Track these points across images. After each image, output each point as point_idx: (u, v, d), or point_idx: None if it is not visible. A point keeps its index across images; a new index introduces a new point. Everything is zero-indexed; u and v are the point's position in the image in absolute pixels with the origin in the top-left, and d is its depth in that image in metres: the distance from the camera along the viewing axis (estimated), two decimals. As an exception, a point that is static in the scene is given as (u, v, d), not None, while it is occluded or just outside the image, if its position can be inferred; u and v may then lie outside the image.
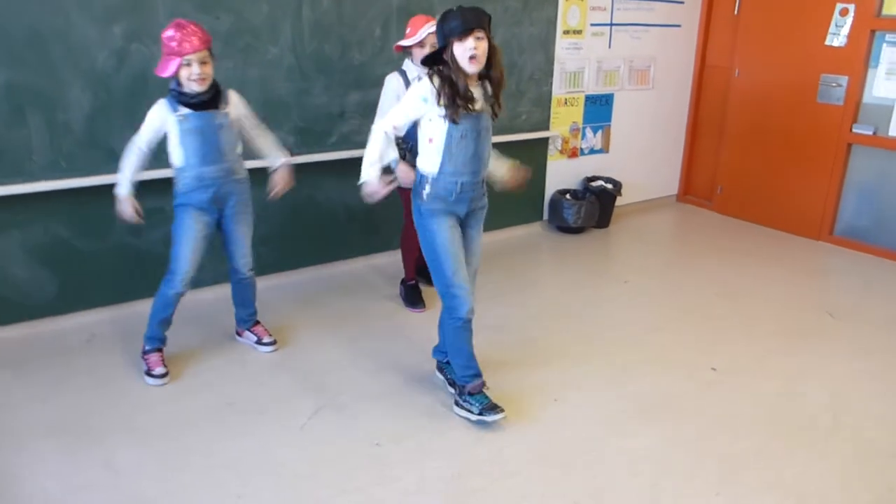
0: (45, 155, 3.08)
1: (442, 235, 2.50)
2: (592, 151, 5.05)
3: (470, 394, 2.62)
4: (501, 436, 2.57)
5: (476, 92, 2.42)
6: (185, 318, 3.09)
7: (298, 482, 2.29)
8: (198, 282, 3.03)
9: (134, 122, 2.74)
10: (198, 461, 2.38)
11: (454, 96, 2.35)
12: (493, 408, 2.58)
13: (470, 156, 2.46)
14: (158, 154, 2.76)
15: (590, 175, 5.04)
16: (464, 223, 2.60)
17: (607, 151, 5.13)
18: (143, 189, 2.79)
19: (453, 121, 2.39)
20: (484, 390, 2.64)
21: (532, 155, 4.76)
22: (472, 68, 2.34)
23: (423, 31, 3.23)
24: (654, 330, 3.46)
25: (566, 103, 4.77)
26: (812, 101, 4.71)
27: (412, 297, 3.65)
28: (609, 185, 4.95)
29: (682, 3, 5.14)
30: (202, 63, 2.57)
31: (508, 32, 4.31)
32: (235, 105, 2.78)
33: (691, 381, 2.98)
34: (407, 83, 3.28)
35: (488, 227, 4.63)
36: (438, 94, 2.37)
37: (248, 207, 2.92)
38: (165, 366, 2.86)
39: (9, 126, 2.98)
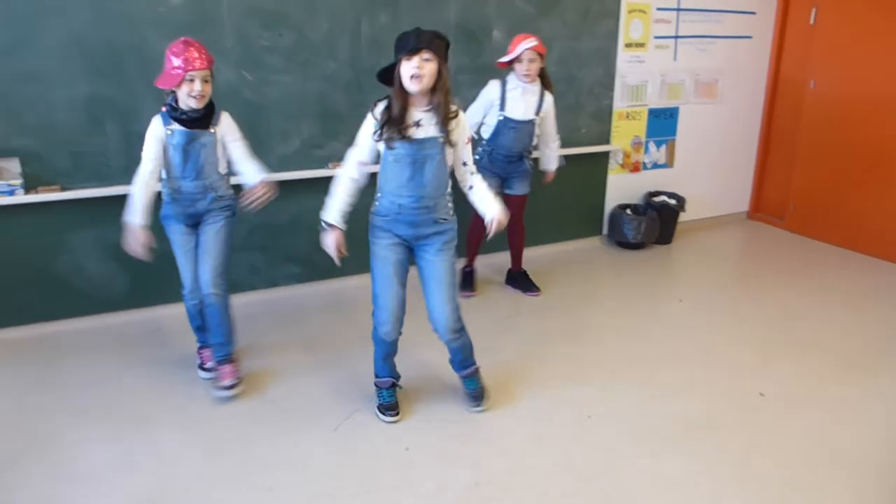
0: (121, 160, 3.34)
1: (378, 254, 2.57)
2: (656, 166, 4.96)
3: (377, 386, 2.79)
4: (527, 449, 2.57)
5: (424, 118, 2.41)
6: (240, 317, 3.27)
7: (324, 480, 2.38)
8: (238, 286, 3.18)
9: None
10: (235, 451, 2.52)
11: (388, 120, 2.39)
12: (389, 409, 2.73)
13: (405, 179, 2.45)
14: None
15: (652, 190, 4.95)
16: (417, 249, 2.59)
17: (671, 166, 5.02)
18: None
19: (387, 145, 2.43)
20: (392, 389, 2.77)
21: (592, 169, 4.74)
22: (412, 86, 2.33)
23: (520, 48, 3.45)
24: (703, 350, 3.36)
25: (628, 117, 4.71)
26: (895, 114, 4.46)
27: (466, 281, 3.99)
28: (672, 201, 4.85)
29: (753, 13, 4.98)
30: (204, 81, 2.62)
31: (566, 46, 4.32)
32: (224, 127, 2.78)
33: (735, 406, 2.88)
34: (503, 91, 3.55)
35: (545, 238, 4.69)
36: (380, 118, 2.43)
37: (224, 226, 2.84)
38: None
39: (89, 133, 3.26)
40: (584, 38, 4.37)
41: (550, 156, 3.85)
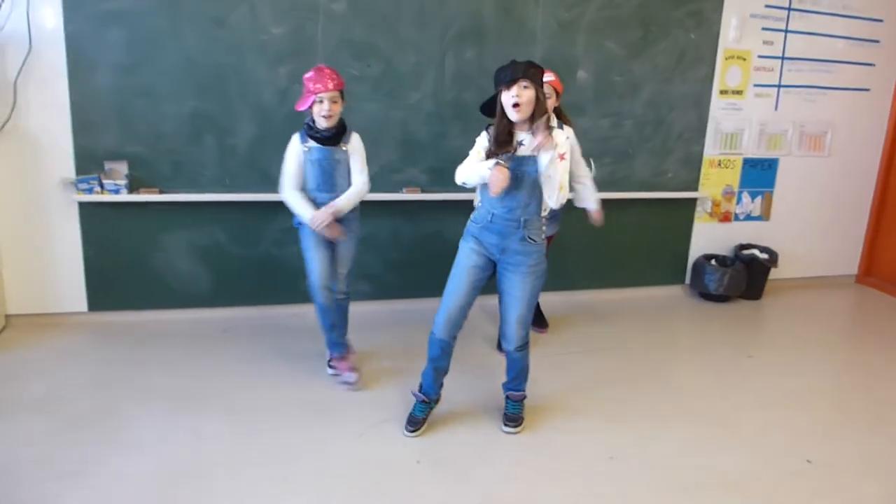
0: (214, 171, 3.70)
1: (459, 257, 2.74)
2: (749, 218, 4.73)
3: (414, 395, 2.87)
4: (539, 479, 2.54)
5: (526, 139, 2.53)
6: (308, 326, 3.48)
7: (337, 480, 2.49)
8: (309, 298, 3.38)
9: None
10: (264, 441, 2.70)
11: (493, 140, 2.56)
12: (414, 423, 2.81)
13: (503, 192, 2.53)
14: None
15: (743, 242, 4.72)
16: (501, 265, 2.69)
17: (767, 219, 4.77)
18: (281, 209, 3.21)
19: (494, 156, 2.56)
20: (427, 403, 2.85)
21: (677, 215, 4.61)
22: (513, 114, 2.49)
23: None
24: (759, 408, 3.16)
25: (720, 165, 4.55)
26: None
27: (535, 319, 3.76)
28: (763, 255, 4.59)
29: (872, 65, 4.68)
30: (332, 102, 2.90)
31: (656, 89, 4.28)
32: (354, 146, 3.05)
33: (775, 468, 2.68)
34: None
35: (624, 281, 4.61)
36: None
37: (352, 235, 3.13)
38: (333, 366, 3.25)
39: (190, 144, 3.64)
40: (675, 82, 4.31)
41: (585, 193, 3.61)
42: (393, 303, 4.18)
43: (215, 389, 3.08)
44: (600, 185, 4.22)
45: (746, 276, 4.55)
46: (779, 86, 4.52)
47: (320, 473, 2.51)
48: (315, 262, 3.07)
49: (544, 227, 2.70)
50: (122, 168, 3.55)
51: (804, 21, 4.48)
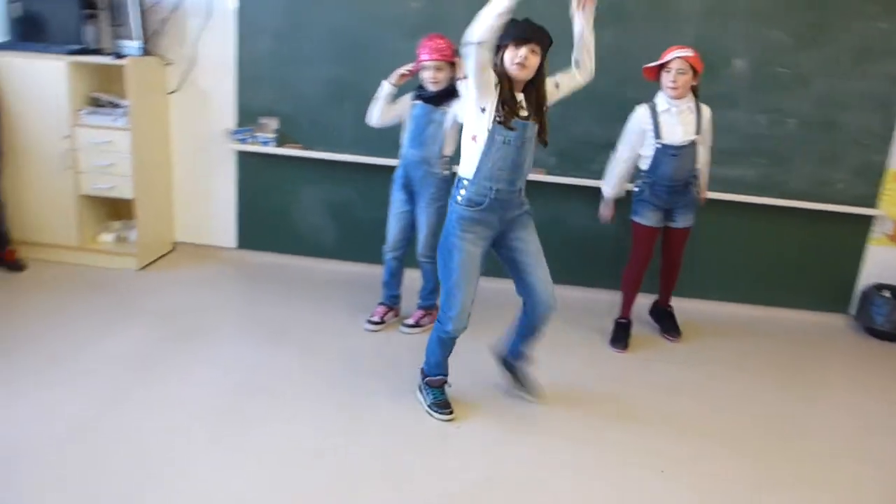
0: (351, 134, 3.99)
1: (464, 248, 2.54)
2: (946, 248, 3.94)
3: (428, 385, 2.77)
4: (552, 477, 2.44)
5: (522, 100, 2.47)
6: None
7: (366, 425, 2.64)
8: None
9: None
10: (314, 381, 2.94)
11: (503, 99, 2.42)
12: (444, 406, 2.73)
13: (509, 163, 2.46)
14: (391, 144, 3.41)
15: (933, 276, 3.96)
16: (503, 236, 2.60)
17: (970, 252, 3.93)
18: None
19: (504, 125, 2.41)
20: (445, 387, 2.78)
21: (845, 233, 4.01)
22: (516, 72, 2.39)
23: (670, 55, 3.20)
24: (860, 461, 2.68)
25: (908, 180, 3.86)
26: None
27: (618, 335, 3.54)
28: (955, 294, 3.81)
29: None
30: (437, 69, 3.09)
31: (827, 85, 3.75)
32: (456, 106, 3.13)
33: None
34: (655, 116, 3.27)
35: (775, 300, 4.21)
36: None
37: (435, 202, 3.25)
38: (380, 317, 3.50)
39: (331, 107, 3.98)
40: (853, 78, 3.73)
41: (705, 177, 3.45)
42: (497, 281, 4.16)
43: (300, 330, 3.38)
44: (752, 188, 3.85)
45: (926, 314, 3.81)
46: None
47: (365, 417, 2.69)
48: (392, 223, 3.45)
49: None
50: (273, 123, 3.99)
51: None
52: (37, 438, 2.34)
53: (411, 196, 3.34)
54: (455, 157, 2.85)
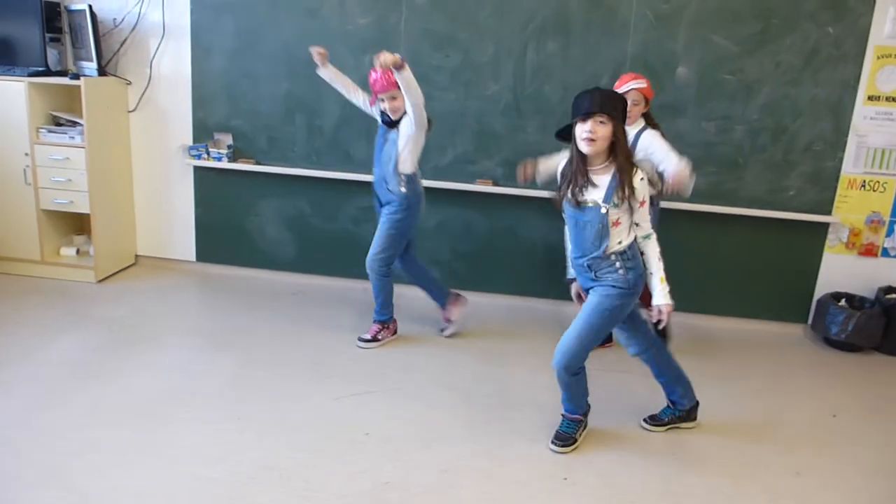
0: (303, 148, 4.08)
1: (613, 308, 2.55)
2: (904, 255, 3.84)
3: (576, 420, 2.73)
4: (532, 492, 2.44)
5: (601, 179, 2.43)
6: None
7: (291, 431, 2.67)
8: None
9: (369, 135, 3.50)
10: (251, 386, 2.98)
11: (565, 175, 2.51)
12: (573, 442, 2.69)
13: (573, 236, 2.56)
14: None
15: (894, 284, 3.84)
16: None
17: (930, 259, 3.82)
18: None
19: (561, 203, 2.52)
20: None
21: (801, 241, 3.94)
22: (585, 148, 2.38)
23: (625, 87, 3.18)
24: (803, 470, 2.61)
25: (864, 186, 3.77)
26: None
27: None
28: (914, 302, 3.69)
29: None
30: (391, 99, 3.16)
31: (777, 92, 3.71)
32: (403, 126, 3.22)
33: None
34: None
35: (732, 310, 4.16)
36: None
37: (390, 218, 3.31)
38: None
39: (283, 123, 4.06)
40: (804, 85, 3.68)
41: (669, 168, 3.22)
42: (459, 292, 4.19)
43: (248, 338, 3.44)
44: (702, 196, 3.79)
45: (884, 324, 3.70)
46: (957, 94, 3.61)
47: (280, 422, 2.70)
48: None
49: (618, 264, 2.49)
50: (227, 139, 4.09)
51: None
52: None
53: (380, 206, 3.42)
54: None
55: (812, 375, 3.51)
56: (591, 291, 2.58)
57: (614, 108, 2.37)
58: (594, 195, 2.44)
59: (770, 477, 2.56)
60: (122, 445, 2.47)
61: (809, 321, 4.00)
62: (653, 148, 3.18)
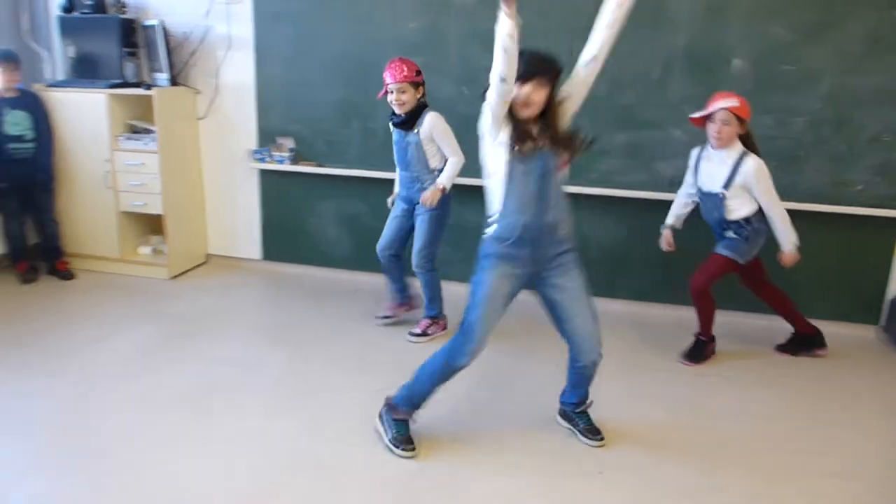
0: (358, 150, 4.23)
1: (492, 284, 2.42)
2: None
3: (394, 418, 2.59)
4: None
5: (535, 130, 2.34)
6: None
7: (317, 416, 2.80)
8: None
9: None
10: (294, 382, 3.15)
11: (515, 135, 2.33)
12: (407, 442, 2.54)
13: (532, 195, 2.35)
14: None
15: (976, 285, 3.59)
16: (541, 281, 2.46)
17: None
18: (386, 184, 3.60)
19: (520, 152, 2.31)
20: (410, 422, 2.59)
21: (871, 238, 3.73)
22: (520, 112, 2.32)
23: (713, 107, 3.15)
24: (846, 474, 2.50)
25: (940, 179, 3.53)
26: None
27: (695, 351, 3.42)
28: None
29: None
30: (400, 92, 3.26)
31: (838, 81, 3.54)
32: (426, 129, 3.29)
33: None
34: (699, 157, 3.33)
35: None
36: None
37: (429, 214, 3.39)
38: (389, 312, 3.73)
39: (340, 127, 4.22)
40: (867, 73, 3.50)
41: (778, 234, 3.27)
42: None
43: (303, 333, 3.60)
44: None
45: (963, 326, 3.46)
46: None
47: (322, 413, 2.82)
48: (387, 229, 3.60)
49: (570, 225, 2.42)
50: (289, 143, 4.29)
51: None
52: (28, 413, 2.72)
53: (411, 205, 3.51)
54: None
55: (882, 379, 3.33)
56: (549, 271, 2.43)
57: (550, 71, 2.36)
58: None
59: (807, 479, 2.46)
60: (171, 430, 2.65)
61: (881, 322, 3.79)
62: (755, 188, 3.16)
